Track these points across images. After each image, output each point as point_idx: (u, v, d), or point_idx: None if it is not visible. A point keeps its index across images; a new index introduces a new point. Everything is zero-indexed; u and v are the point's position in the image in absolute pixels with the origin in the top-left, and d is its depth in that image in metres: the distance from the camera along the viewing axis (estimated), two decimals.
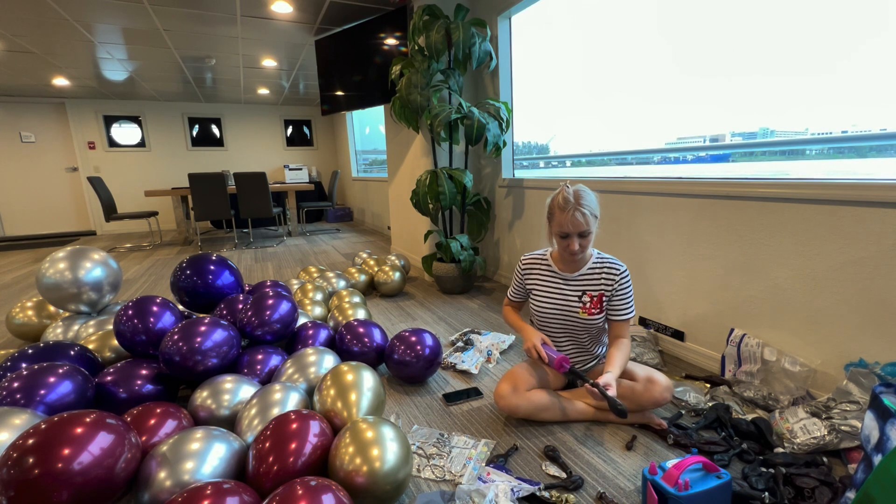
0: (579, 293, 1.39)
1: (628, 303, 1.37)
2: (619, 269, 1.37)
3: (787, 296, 1.47)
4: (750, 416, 1.35)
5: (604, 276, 1.37)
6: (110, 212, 4.99)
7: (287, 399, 1.25)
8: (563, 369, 1.22)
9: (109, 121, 6.56)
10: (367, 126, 6.90)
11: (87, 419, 0.96)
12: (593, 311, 1.37)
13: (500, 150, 2.70)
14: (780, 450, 1.19)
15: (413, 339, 1.68)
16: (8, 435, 1.03)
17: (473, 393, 1.61)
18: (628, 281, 1.37)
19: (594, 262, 1.39)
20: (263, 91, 6.32)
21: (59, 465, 0.88)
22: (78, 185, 6.56)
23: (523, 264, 1.50)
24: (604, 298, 1.38)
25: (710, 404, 1.42)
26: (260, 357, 1.56)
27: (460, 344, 2.02)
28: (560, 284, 1.41)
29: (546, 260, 1.46)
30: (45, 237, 6.28)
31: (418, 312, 2.56)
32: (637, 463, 1.20)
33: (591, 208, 1.29)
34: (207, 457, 1.01)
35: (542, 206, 1.58)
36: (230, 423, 1.28)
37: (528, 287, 1.49)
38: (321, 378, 1.37)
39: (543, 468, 1.19)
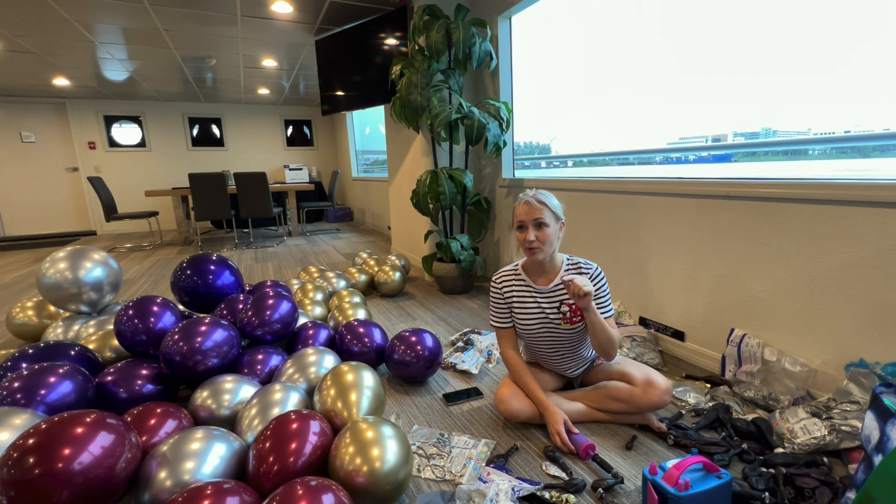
0: (557, 304, 1.34)
1: (605, 301, 1.32)
2: (590, 269, 1.33)
3: (787, 296, 1.47)
4: (750, 417, 1.35)
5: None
6: (110, 212, 4.99)
7: (287, 399, 1.25)
8: (587, 457, 1.21)
9: (110, 121, 6.56)
10: (368, 126, 6.91)
11: (88, 419, 0.97)
12: (574, 319, 1.33)
13: (501, 150, 2.70)
14: (781, 450, 1.19)
15: (413, 339, 1.68)
16: (8, 435, 1.03)
17: (473, 393, 1.61)
18: (602, 279, 1.33)
19: (565, 270, 1.35)
20: (264, 91, 6.32)
21: (60, 464, 0.88)
22: (78, 185, 6.56)
23: (498, 282, 1.42)
24: None
25: (711, 404, 1.42)
26: (260, 357, 1.56)
27: (460, 344, 2.02)
28: (537, 298, 1.36)
29: (519, 274, 1.40)
30: (46, 237, 6.29)
31: (418, 312, 2.56)
32: (637, 463, 1.20)
33: (548, 202, 1.28)
34: (207, 457, 1.01)
35: None
36: (230, 423, 1.28)
37: (510, 303, 1.41)
38: (321, 378, 1.37)
39: (543, 468, 1.19)
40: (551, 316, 1.35)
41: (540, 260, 1.32)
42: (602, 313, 1.31)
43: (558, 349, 1.41)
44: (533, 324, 1.38)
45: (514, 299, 1.40)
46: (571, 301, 1.33)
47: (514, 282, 1.41)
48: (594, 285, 1.32)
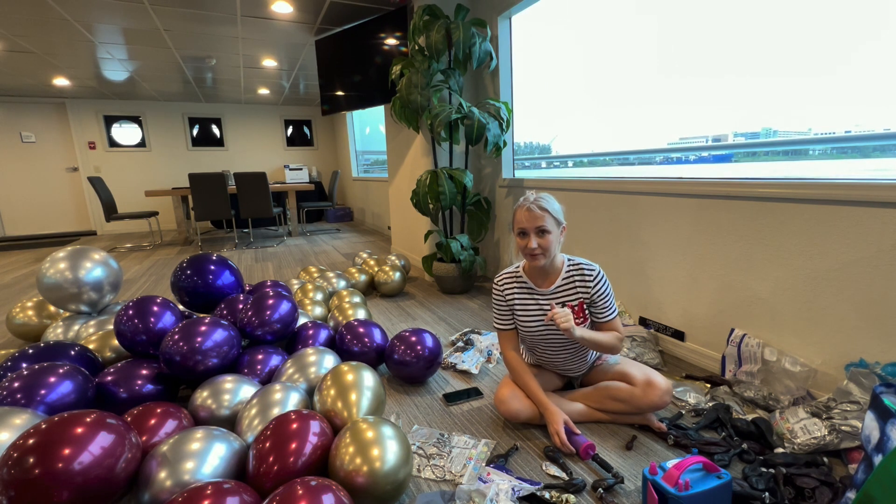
0: (559, 307, 1.34)
1: (608, 304, 1.33)
2: (592, 272, 1.33)
3: (787, 296, 1.47)
4: (750, 417, 1.35)
5: (577, 282, 1.33)
6: (111, 212, 4.99)
7: (287, 399, 1.25)
8: (587, 457, 1.21)
9: (110, 121, 6.56)
10: (368, 126, 6.91)
11: (88, 419, 0.97)
12: (577, 321, 1.33)
13: (501, 150, 2.70)
14: (781, 450, 1.19)
15: (413, 339, 1.68)
16: (8, 435, 1.03)
17: (474, 393, 1.61)
18: (604, 281, 1.33)
19: (567, 271, 1.35)
20: (264, 91, 6.32)
21: (60, 464, 0.88)
22: (78, 185, 6.56)
23: (500, 284, 1.42)
24: (584, 306, 1.34)
25: (711, 404, 1.42)
26: (260, 357, 1.56)
27: (460, 344, 2.02)
28: (539, 301, 1.36)
29: (520, 276, 1.40)
30: (46, 237, 6.29)
31: (418, 312, 2.56)
32: (637, 463, 1.20)
33: (550, 208, 1.27)
34: (208, 457, 1.01)
35: None
36: (230, 423, 1.28)
37: (511, 305, 1.40)
38: (321, 378, 1.37)
39: (544, 468, 1.19)
40: None
41: (542, 266, 1.32)
42: (605, 315, 1.34)
43: (560, 351, 1.41)
44: (534, 326, 1.38)
45: (516, 301, 1.40)
46: (574, 303, 1.34)
47: (515, 284, 1.41)
48: (595, 288, 1.33)
